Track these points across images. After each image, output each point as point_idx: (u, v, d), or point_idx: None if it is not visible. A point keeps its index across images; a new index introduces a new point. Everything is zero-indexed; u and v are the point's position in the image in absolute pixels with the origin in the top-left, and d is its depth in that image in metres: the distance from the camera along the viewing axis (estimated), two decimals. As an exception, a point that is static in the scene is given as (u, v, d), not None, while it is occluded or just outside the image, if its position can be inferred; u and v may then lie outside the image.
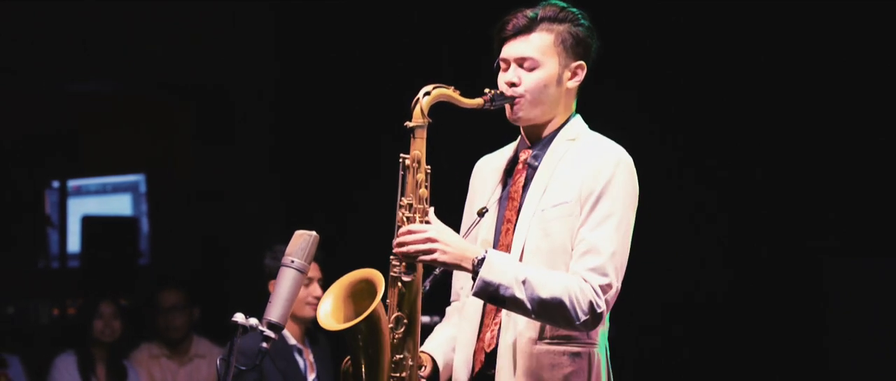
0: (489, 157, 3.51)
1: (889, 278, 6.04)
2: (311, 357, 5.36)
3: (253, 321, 3.08)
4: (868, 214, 6.08)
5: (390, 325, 3.19)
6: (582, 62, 3.34)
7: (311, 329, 5.39)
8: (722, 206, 6.32)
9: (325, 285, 5.21)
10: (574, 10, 3.35)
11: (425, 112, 3.20)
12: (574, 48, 3.32)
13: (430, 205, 3.21)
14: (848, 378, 6.16)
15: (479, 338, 3.30)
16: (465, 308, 3.36)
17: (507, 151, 3.45)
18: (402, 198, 3.20)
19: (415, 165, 3.20)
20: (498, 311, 3.28)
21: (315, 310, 5.19)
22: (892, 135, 5.99)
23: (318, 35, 7.46)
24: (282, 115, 7.81)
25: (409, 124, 3.20)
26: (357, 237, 6.97)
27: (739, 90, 6.24)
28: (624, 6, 6.15)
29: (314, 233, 3.16)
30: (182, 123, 8.91)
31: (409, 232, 3.15)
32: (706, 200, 6.31)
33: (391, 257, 3.19)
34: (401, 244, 3.15)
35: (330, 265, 5.69)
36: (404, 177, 3.21)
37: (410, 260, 3.16)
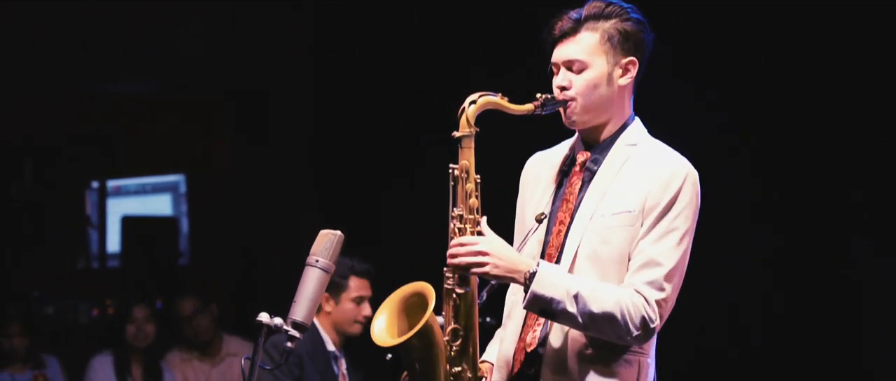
0: (542, 154, 3.43)
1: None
2: (343, 368, 5.36)
3: (278, 320, 3.06)
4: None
5: (447, 337, 3.15)
6: (633, 58, 3.23)
7: (353, 350, 5.39)
8: (759, 207, 6.27)
9: (375, 300, 5.23)
10: (622, 4, 3.26)
11: (471, 121, 3.13)
12: (623, 44, 3.21)
13: (482, 215, 3.17)
14: (882, 376, 6.10)
15: (521, 337, 3.25)
16: (514, 307, 3.30)
17: (561, 150, 3.38)
18: (454, 209, 3.16)
19: (463, 175, 3.15)
20: None
21: (362, 329, 5.28)
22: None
23: (357, 36, 7.45)
24: (320, 116, 7.81)
25: (456, 134, 3.14)
26: (394, 238, 6.97)
27: (780, 91, 6.19)
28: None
29: (339, 232, 3.13)
30: (221, 123, 8.94)
31: (461, 245, 3.10)
32: (741, 201, 6.25)
33: (445, 269, 3.15)
34: (452, 256, 3.11)
35: (375, 268, 5.68)
36: (455, 187, 3.16)
37: (462, 273, 3.12)
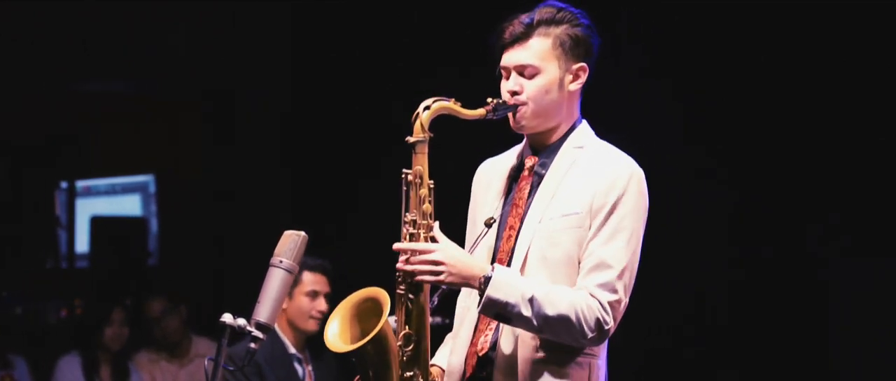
0: (492, 161, 3.45)
1: (892, 280, 6.01)
2: (310, 367, 5.35)
3: (241, 321, 3.06)
4: (872, 215, 6.05)
5: (399, 343, 3.16)
6: (583, 64, 3.25)
7: (314, 343, 5.38)
8: (725, 208, 6.29)
9: (334, 297, 5.23)
10: (572, 9, 3.27)
11: (426, 127, 3.14)
12: (574, 50, 3.23)
13: (435, 219, 3.17)
14: (849, 379, 6.13)
15: (473, 342, 3.26)
16: (467, 313, 3.32)
17: (511, 156, 3.40)
18: (406, 214, 3.16)
19: (417, 180, 3.16)
20: None
21: (318, 324, 5.28)
22: (871, 135, 5.96)
23: (328, 36, 7.45)
24: (291, 115, 7.80)
25: (410, 140, 3.16)
26: (365, 239, 6.97)
27: (742, 91, 6.21)
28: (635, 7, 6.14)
29: (303, 233, 3.14)
30: (191, 123, 8.92)
31: (414, 252, 3.11)
32: (708, 201, 6.27)
33: (397, 275, 3.16)
34: (406, 265, 3.12)
35: (338, 267, 5.70)
36: (407, 193, 3.17)
37: (417, 281, 3.13)
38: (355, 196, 7.27)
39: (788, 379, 6.26)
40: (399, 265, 3.13)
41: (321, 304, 5.30)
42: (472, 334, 3.26)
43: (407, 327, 3.16)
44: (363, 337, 3.11)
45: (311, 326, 5.29)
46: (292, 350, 5.29)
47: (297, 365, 5.28)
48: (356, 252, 6.78)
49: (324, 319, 5.14)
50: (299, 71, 7.68)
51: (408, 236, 3.15)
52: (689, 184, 6.23)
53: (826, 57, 6.03)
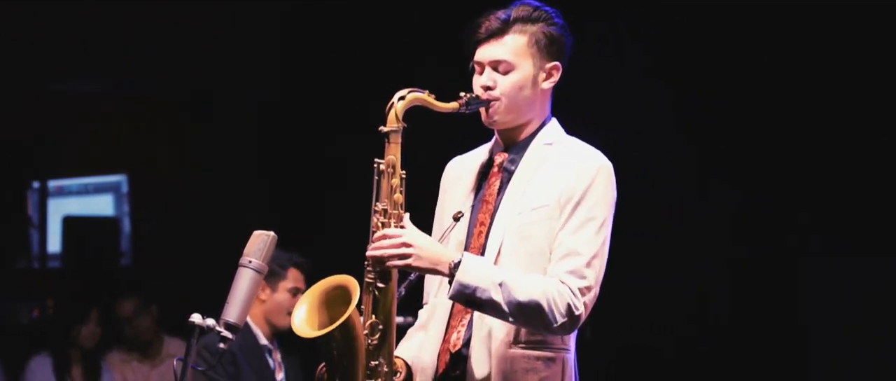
0: (461, 158, 3.47)
1: (872, 279, 6.05)
2: (278, 357, 5.39)
3: (210, 321, 3.07)
4: (850, 214, 6.09)
5: (365, 331, 3.17)
6: (557, 63, 3.29)
7: (283, 336, 5.41)
8: (703, 205, 6.32)
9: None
10: (547, 9, 3.31)
11: (400, 117, 3.18)
12: (548, 48, 3.27)
13: (406, 210, 3.19)
14: (826, 377, 6.17)
15: (445, 339, 3.27)
16: (435, 309, 3.33)
17: (480, 153, 3.42)
18: (377, 203, 3.18)
19: (389, 169, 3.18)
20: (465, 312, 3.25)
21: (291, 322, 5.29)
22: (868, 136, 5.99)
23: (304, 35, 7.45)
24: (266, 115, 7.80)
25: (384, 129, 3.18)
26: (341, 238, 6.97)
27: (722, 92, 6.24)
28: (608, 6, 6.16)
29: (273, 233, 3.15)
30: (164, 123, 8.90)
31: (384, 237, 3.13)
32: (687, 202, 6.30)
33: (366, 263, 3.17)
34: (375, 249, 3.13)
35: (313, 264, 5.71)
36: (379, 182, 3.19)
37: (385, 266, 3.14)
38: (330, 197, 7.27)
39: (768, 375, 6.30)
40: (368, 251, 3.15)
41: None
42: (443, 330, 3.28)
43: (374, 316, 3.17)
44: (331, 324, 3.12)
45: (287, 322, 5.30)
46: (264, 341, 5.34)
47: (267, 356, 5.33)
48: (331, 253, 6.77)
49: None
50: (272, 70, 7.68)
51: (378, 225, 3.17)
52: (670, 184, 6.27)
53: (799, 61, 6.07)
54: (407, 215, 3.18)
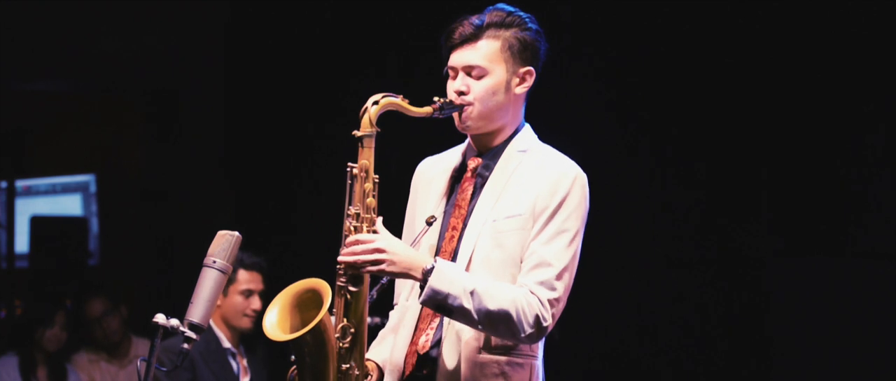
0: (433, 159, 3.48)
1: (829, 278, 6.08)
2: (244, 362, 5.37)
3: (174, 321, 3.06)
4: (808, 214, 6.12)
5: (337, 335, 3.18)
6: (530, 68, 3.30)
7: (248, 338, 5.41)
8: (665, 207, 6.34)
9: (269, 295, 5.24)
10: (521, 14, 3.32)
11: (373, 121, 3.18)
12: (522, 54, 3.28)
13: (379, 215, 3.20)
14: (788, 377, 6.20)
15: (413, 340, 3.28)
16: (405, 311, 3.35)
17: (453, 156, 3.43)
18: (350, 207, 3.18)
19: (362, 174, 3.18)
20: (434, 315, 3.27)
21: (252, 322, 5.32)
22: (828, 134, 6.03)
23: (268, 34, 7.43)
24: (232, 114, 7.78)
25: (357, 134, 3.18)
26: (306, 238, 6.97)
27: (683, 91, 6.26)
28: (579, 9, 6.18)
29: (237, 233, 3.15)
30: (132, 122, 8.87)
31: (357, 242, 3.14)
32: (648, 200, 6.32)
33: (338, 267, 3.18)
34: (348, 254, 3.14)
35: (280, 266, 5.70)
36: (352, 186, 3.19)
37: (358, 271, 3.15)
38: (297, 195, 7.26)
39: (728, 376, 6.33)
40: (341, 256, 3.15)
41: (255, 302, 5.33)
42: (412, 332, 3.29)
43: (345, 319, 3.18)
44: (303, 327, 3.12)
45: (245, 323, 5.32)
46: (227, 345, 5.33)
47: (231, 359, 5.31)
48: (298, 251, 6.78)
49: (258, 317, 5.20)
50: (238, 68, 7.66)
51: (351, 229, 3.17)
52: (630, 184, 6.28)
53: (759, 60, 6.10)
54: (379, 220, 3.19)
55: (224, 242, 3.14)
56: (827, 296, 6.09)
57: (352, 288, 3.17)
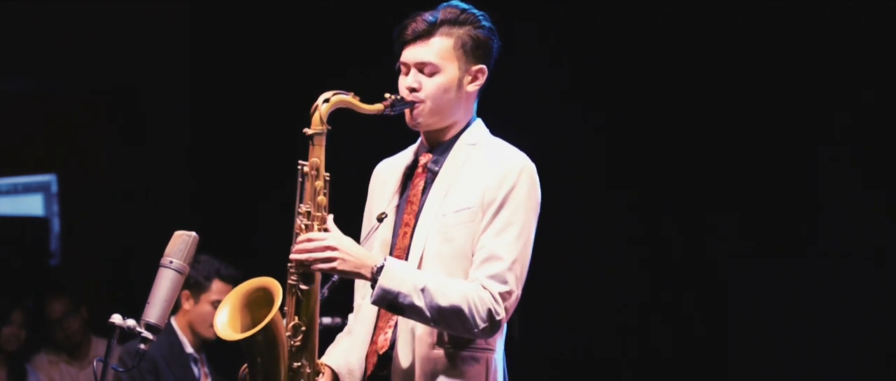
0: (389, 160, 3.47)
1: (787, 278, 6.13)
2: (206, 368, 5.36)
3: (131, 322, 3.06)
4: (769, 215, 6.15)
5: (288, 333, 3.18)
6: (483, 66, 3.30)
7: (210, 347, 5.40)
8: (628, 206, 6.36)
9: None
10: (475, 11, 3.32)
11: (324, 119, 3.18)
12: (474, 51, 3.28)
13: (329, 212, 3.20)
14: (747, 376, 6.24)
15: (373, 340, 3.28)
16: (361, 311, 3.34)
17: (406, 155, 3.42)
18: (301, 205, 3.19)
19: (314, 172, 3.19)
20: (393, 314, 3.26)
21: (215, 334, 5.27)
22: (791, 136, 6.06)
23: (233, 32, 7.42)
24: (196, 113, 7.76)
25: (308, 132, 3.19)
26: (272, 238, 6.95)
27: (648, 89, 6.29)
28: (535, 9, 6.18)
29: (194, 233, 3.16)
30: (94, 121, 8.82)
31: (308, 240, 3.14)
32: (608, 201, 6.34)
33: (289, 264, 3.18)
34: (299, 252, 3.14)
35: (244, 266, 5.67)
36: (303, 184, 3.20)
37: (309, 269, 3.15)
38: (262, 195, 7.24)
39: (689, 376, 6.35)
40: (292, 254, 3.15)
41: None
42: (371, 332, 3.29)
43: (297, 317, 3.18)
44: (253, 326, 3.12)
45: (210, 333, 5.27)
46: (189, 350, 5.31)
47: (193, 365, 5.29)
48: (262, 251, 6.75)
49: None
50: (202, 67, 7.63)
51: (302, 227, 3.18)
52: (595, 183, 6.30)
53: (724, 59, 6.13)
54: (330, 217, 3.19)
55: (181, 242, 3.15)
56: (789, 296, 6.13)
57: (303, 286, 3.17)
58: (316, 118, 3.18)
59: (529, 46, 6.18)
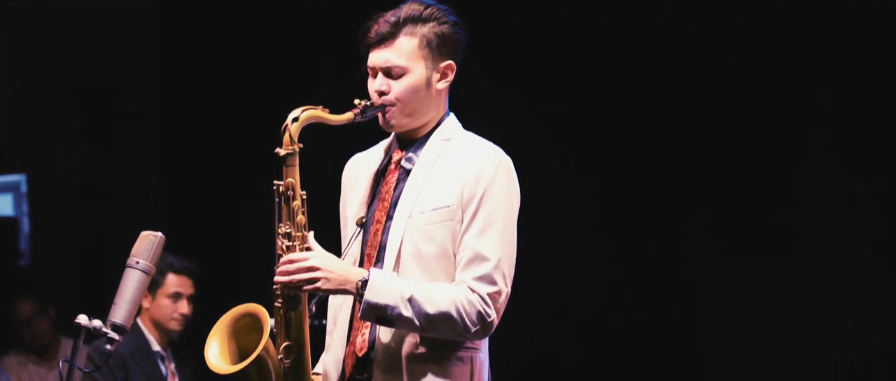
0: (361, 156, 3.43)
1: (758, 277, 6.15)
2: (172, 366, 5.40)
3: (97, 322, 3.05)
4: (739, 214, 6.18)
5: (280, 355, 3.17)
6: (451, 62, 3.26)
7: (177, 346, 5.44)
8: (599, 205, 6.37)
9: (200, 299, 5.26)
10: (439, 6, 3.28)
11: (295, 138, 3.16)
12: (441, 48, 3.24)
13: (309, 230, 3.19)
14: (718, 374, 6.25)
15: (350, 342, 3.25)
16: (338, 312, 3.32)
17: (379, 150, 3.39)
18: (280, 226, 3.17)
19: (289, 192, 3.17)
20: None
21: (180, 325, 5.37)
22: (763, 133, 6.09)
23: (204, 33, 7.40)
24: (167, 114, 7.74)
25: (281, 153, 3.17)
26: (240, 239, 6.94)
27: (613, 92, 6.30)
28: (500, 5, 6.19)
29: (160, 234, 3.15)
30: (63, 122, 8.78)
31: (290, 261, 3.13)
32: (579, 197, 6.36)
33: (274, 287, 3.17)
34: (282, 275, 3.14)
35: (214, 268, 5.68)
36: (280, 205, 3.18)
37: (295, 291, 3.15)
38: (232, 196, 7.23)
39: (659, 375, 6.37)
40: (276, 277, 3.14)
41: (183, 306, 5.39)
42: (346, 333, 3.26)
43: (286, 338, 3.18)
44: (242, 354, 3.13)
45: (174, 326, 5.40)
46: (156, 347, 5.40)
47: (160, 363, 5.35)
48: (232, 252, 6.75)
49: (186, 320, 5.25)
50: (173, 68, 7.61)
51: (283, 248, 3.16)
52: (562, 183, 6.31)
53: (697, 56, 6.14)
54: (311, 235, 3.18)
55: (147, 242, 3.15)
56: (759, 295, 6.15)
57: (290, 307, 3.17)
58: (286, 138, 3.15)
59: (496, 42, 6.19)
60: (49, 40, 7.81)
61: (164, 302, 5.40)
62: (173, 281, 5.42)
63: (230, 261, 6.51)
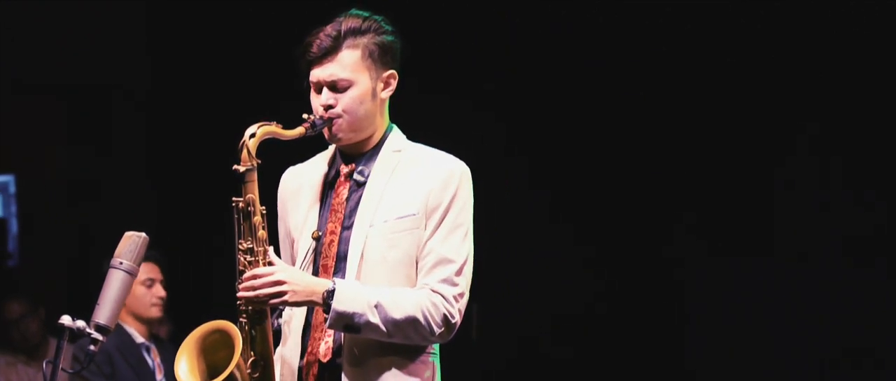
0: (297, 169, 3.47)
1: (746, 278, 6.17)
2: (158, 358, 5.42)
3: (80, 323, 3.06)
4: (725, 216, 6.19)
5: (248, 370, 3.22)
6: (393, 71, 3.31)
7: (155, 331, 5.46)
8: (581, 206, 6.39)
9: (173, 285, 5.28)
10: (376, 17, 3.31)
11: (253, 154, 3.21)
12: (382, 58, 3.29)
13: (270, 244, 3.24)
14: (703, 376, 6.27)
15: (310, 350, 3.28)
16: (291, 319, 3.35)
17: (319, 163, 3.42)
18: (241, 242, 3.22)
19: (250, 208, 3.23)
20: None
21: (160, 310, 5.38)
22: (751, 136, 6.11)
23: (193, 33, 7.40)
24: (156, 114, 7.74)
25: (240, 169, 3.22)
26: (230, 240, 6.94)
27: (601, 95, 6.31)
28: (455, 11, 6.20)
29: (144, 234, 3.17)
30: (53, 122, 8.78)
31: (255, 277, 3.17)
32: (562, 203, 6.37)
33: (238, 303, 3.21)
34: (247, 289, 3.18)
35: (203, 269, 5.68)
36: (240, 221, 3.23)
37: (261, 306, 3.19)
38: (221, 197, 7.22)
39: (646, 375, 6.39)
40: (241, 293, 3.19)
41: (159, 290, 5.47)
42: (300, 340, 3.30)
43: (253, 353, 3.22)
44: (212, 370, 3.17)
45: (154, 312, 5.49)
46: (140, 340, 5.44)
47: (146, 355, 5.37)
48: (221, 253, 6.73)
49: (164, 303, 5.38)
50: (162, 68, 7.62)
51: (246, 264, 3.21)
52: (550, 187, 6.32)
53: (685, 59, 6.16)
54: (271, 249, 3.23)
55: (131, 243, 3.16)
56: (748, 296, 6.18)
57: (255, 322, 3.21)
58: (244, 155, 3.21)
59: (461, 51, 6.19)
60: (38, 41, 7.82)
61: (139, 291, 5.43)
62: (143, 270, 5.42)
63: (220, 262, 6.50)
